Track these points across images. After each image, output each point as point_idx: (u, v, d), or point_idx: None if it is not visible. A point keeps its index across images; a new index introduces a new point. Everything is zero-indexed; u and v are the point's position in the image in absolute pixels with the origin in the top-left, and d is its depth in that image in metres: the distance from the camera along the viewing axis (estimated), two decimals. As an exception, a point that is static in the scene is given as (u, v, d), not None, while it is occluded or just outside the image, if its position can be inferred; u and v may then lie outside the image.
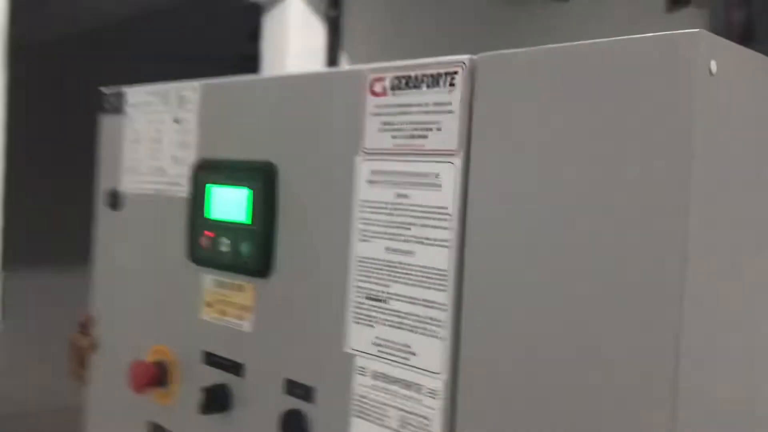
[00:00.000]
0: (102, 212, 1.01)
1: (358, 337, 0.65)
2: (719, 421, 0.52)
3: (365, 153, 0.65)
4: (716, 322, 0.50)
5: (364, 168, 0.65)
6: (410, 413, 0.61)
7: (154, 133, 0.93)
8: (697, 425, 0.48)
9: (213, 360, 0.81)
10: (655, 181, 0.47)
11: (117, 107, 1.00)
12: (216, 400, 0.78)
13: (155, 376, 0.87)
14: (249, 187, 0.76)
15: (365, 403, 0.64)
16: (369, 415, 0.64)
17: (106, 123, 1.01)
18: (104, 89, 1.02)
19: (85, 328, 1.03)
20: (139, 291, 0.94)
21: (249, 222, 0.76)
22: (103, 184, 1.01)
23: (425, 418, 0.60)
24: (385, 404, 0.63)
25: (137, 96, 0.96)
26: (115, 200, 0.99)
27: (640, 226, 0.48)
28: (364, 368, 0.65)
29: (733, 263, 0.52)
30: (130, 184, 0.96)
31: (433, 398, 0.59)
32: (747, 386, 0.56)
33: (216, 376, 0.80)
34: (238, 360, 0.78)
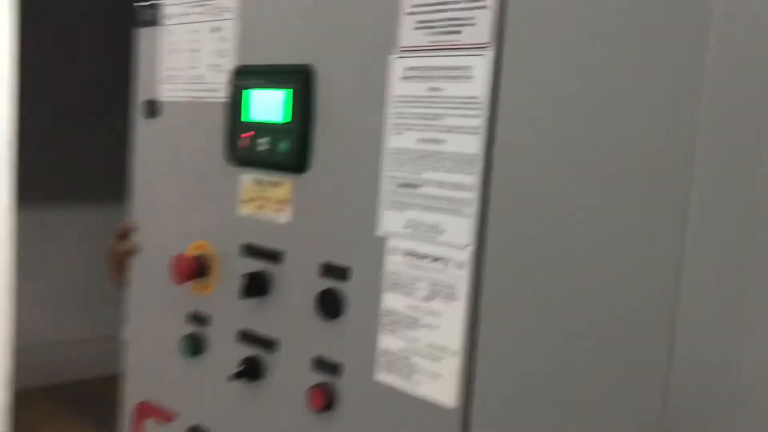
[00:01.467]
0: (140, 122, 1.06)
1: (391, 221, 0.72)
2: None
3: (400, 50, 0.71)
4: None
5: (398, 65, 0.71)
6: (438, 283, 0.68)
7: (191, 43, 0.98)
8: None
9: (251, 250, 0.88)
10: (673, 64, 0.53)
11: (153, 19, 1.04)
12: (255, 285, 0.85)
13: (196, 269, 0.94)
14: (287, 88, 0.82)
15: (397, 278, 0.71)
16: (399, 288, 0.71)
17: (143, 35, 1.06)
18: (139, 3, 1.07)
19: (124, 235, 1.10)
20: (178, 193, 1.00)
21: (287, 121, 0.82)
22: (141, 95, 1.06)
23: (450, 286, 0.67)
24: (414, 277, 0.70)
25: (173, 8, 1.01)
26: (153, 109, 1.05)
27: (665, 111, 0.54)
28: (395, 248, 0.72)
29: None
30: (167, 92, 1.02)
31: (460, 269, 0.66)
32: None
33: (254, 266, 0.87)
34: (276, 248, 0.85)
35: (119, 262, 1.11)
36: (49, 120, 3.02)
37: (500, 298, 0.64)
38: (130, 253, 1.08)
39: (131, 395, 1.09)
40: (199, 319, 0.96)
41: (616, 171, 0.56)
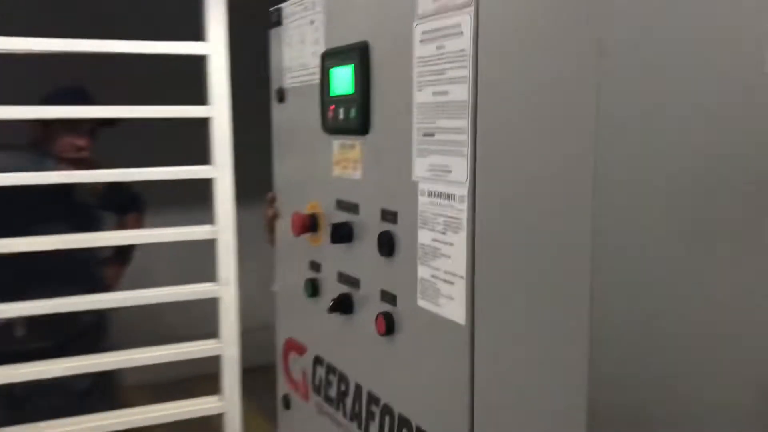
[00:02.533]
0: (274, 107, 1.28)
1: (420, 167, 0.83)
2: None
3: (418, 18, 0.81)
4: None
5: (417, 30, 0.82)
6: (449, 217, 0.78)
7: (298, 36, 1.17)
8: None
9: (341, 205, 1.04)
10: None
11: (278, 20, 1.25)
12: (340, 233, 1.01)
13: (309, 224, 1.13)
14: (351, 64, 0.96)
15: (425, 215, 0.82)
16: (426, 224, 0.82)
17: (272, 35, 1.28)
18: (271, 8, 1.28)
19: (271, 202, 1.33)
20: (299, 162, 1.20)
21: (353, 92, 0.96)
22: (274, 84, 1.28)
23: (456, 218, 0.76)
24: (435, 213, 0.80)
25: (288, 8, 1.21)
26: (281, 95, 1.26)
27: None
28: (423, 190, 0.83)
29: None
30: (288, 80, 1.22)
31: (462, 203, 0.75)
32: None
33: (342, 217, 1.03)
34: (354, 201, 1.00)
35: (270, 226, 1.34)
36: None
37: (489, 229, 0.72)
38: (275, 216, 1.31)
39: (280, 334, 1.32)
40: (315, 265, 1.15)
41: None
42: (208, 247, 1.30)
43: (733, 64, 0.64)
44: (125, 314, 1.80)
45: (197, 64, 1.28)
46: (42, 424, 1.20)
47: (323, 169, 1.09)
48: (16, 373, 1.18)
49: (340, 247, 1.04)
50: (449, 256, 0.78)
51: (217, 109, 1.18)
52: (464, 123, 0.74)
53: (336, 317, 1.05)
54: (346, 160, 1.02)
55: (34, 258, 1.25)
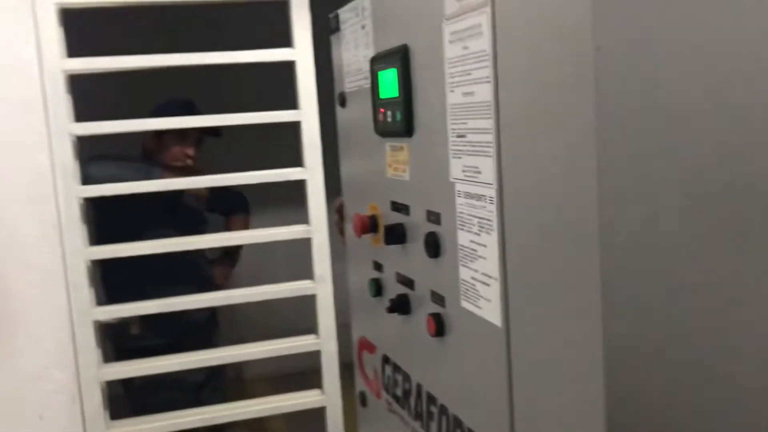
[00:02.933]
0: (338, 111, 1.31)
1: (455, 168, 0.83)
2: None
3: (445, 18, 0.81)
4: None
5: (446, 31, 0.81)
6: (482, 218, 0.77)
7: (353, 41, 1.19)
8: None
9: (394, 206, 1.05)
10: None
11: (336, 27, 1.28)
12: (394, 235, 1.02)
13: (369, 225, 1.15)
14: (395, 67, 0.97)
15: (462, 217, 0.82)
16: (464, 225, 0.82)
17: (333, 41, 1.30)
18: (330, 14, 1.31)
19: (339, 209, 1.37)
20: (358, 165, 1.22)
21: (397, 95, 0.97)
22: (337, 89, 1.31)
23: (488, 220, 0.75)
24: (470, 215, 0.80)
25: (344, 14, 1.23)
26: (342, 99, 1.29)
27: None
28: (459, 191, 0.82)
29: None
30: (347, 85, 1.24)
31: (491, 203, 0.74)
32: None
33: (395, 218, 1.04)
34: (405, 202, 1.01)
35: (341, 228, 1.38)
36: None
37: (516, 229, 0.71)
38: (343, 221, 1.35)
39: (355, 332, 1.35)
40: (377, 266, 1.17)
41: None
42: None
43: (740, 57, 0.59)
44: (245, 310, 1.90)
45: (275, 72, 1.31)
46: (162, 416, 1.26)
47: (379, 171, 1.10)
48: (133, 369, 1.26)
49: (396, 248, 1.05)
50: (485, 258, 0.77)
51: (306, 112, 1.22)
52: (490, 123, 0.73)
53: (396, 317, 1.07)
54: (397, 162, 1.03)
55: (147, 261, 1.33)
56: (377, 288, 1.16)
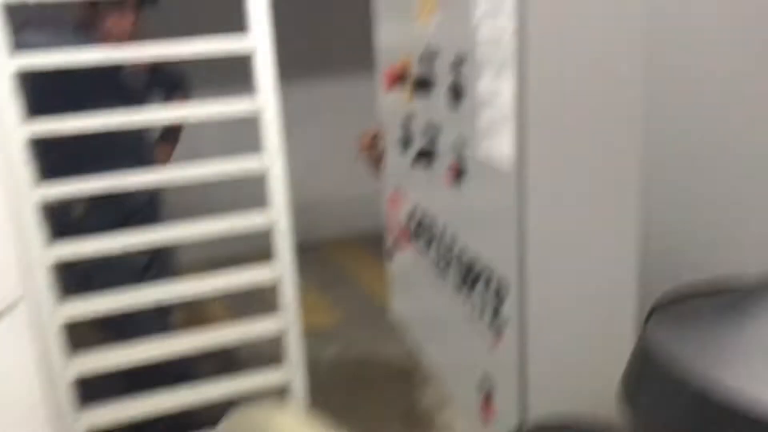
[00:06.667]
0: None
1: (478, 8, 0.80)
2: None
3: None
4: None
5: None
6: (500, 60, 0.74)
7: None
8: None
9: (423, 55, 1.02)
10: None
11: None
12: (421, 84, 1.01)
13: (400, 75, 1.12)
14: None
15: (482, 59, 0.80)
16: (484, 68, 0.80)
17: None
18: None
19: (375, 139, 1.35)
20: (396, 19, 1.18)
21: None
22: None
23: (504, 59, 0.73)
24: (489, 58, 0.78)
25: None
26: None
27: None
28: (482, 33, 0.79)
29: None
30: None
31: (510, 43, 0.71)
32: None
33: (424, 68, 1.02)
34: (434, 49, 0.98)
35: (377, 160, 1.36)
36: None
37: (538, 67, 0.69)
38: (382, 153, 1.32)
39: (387, 187, 1.36)
40: (408, 118, 1.15)
41: None
42: (255, 131, 1.26)
43: None
44: (177, 198, 1.83)
45: None
46: (108, 297, 1.24)
47: (412, 21, 1.07)
48: (77, 249, 1.22)
49: (424, 98, 1.04)
50: (502, 96, 0.76)
51: None
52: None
53: (422, 167, 1.07)
54: (425, 8, 0.99)
55: (86, 139, 1.24)
56: (407, 140, 1.16)
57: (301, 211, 1.35)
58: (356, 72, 3.07)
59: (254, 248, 1.37)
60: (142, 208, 2.04)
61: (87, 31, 1.84)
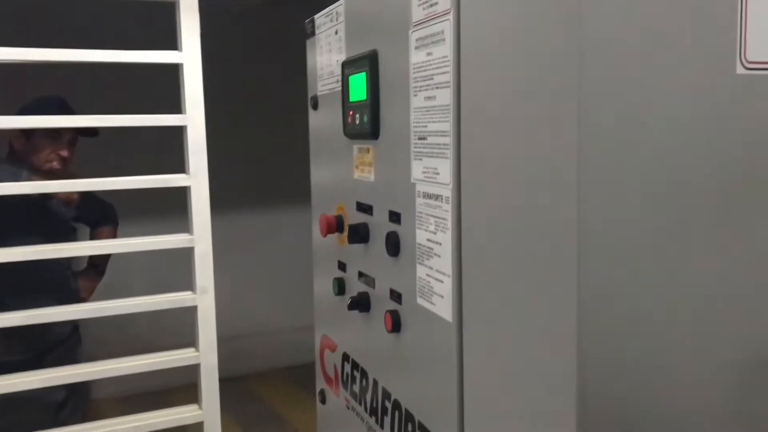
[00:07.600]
0: (311, 113, 1.34)
1: (416, 170, 0.86)
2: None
3: (412, 25, 0.85)
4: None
5: (412, 38, 0.85)
6: (438, 218, 0.80)
7: (326, 46, 1.22)
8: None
9: (359, 206, 1.08)
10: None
11: (312, 31, 1.31)
12: (357, 234, 1.05)
13: (335, 225, 1.17)
14: (364, 71, 1.00)
15: (420, 216, 0.85)
16: (422, 225, 0.85)
17: (308, 45, 1.33)
18: (307, 20, 1.34)
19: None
20: (328, 167, 1.25)
21: (365, 98, 1.00)
22: (309, 92, 1.34)
23: (444, 219, 0.79)
24: (428, 214, 0.83)
25: (319, 19, 1.26)
26: (315, 102, 1.31)
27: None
28: (419, 192, 0.85)
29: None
30: (320, 88, 1.27)
31: (447, 203, 0.78)
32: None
33: (360, 218, 1.07)
34: (369, 203, 1.04)
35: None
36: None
37: (473, 228, 0.74)
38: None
39: (317, 331, 1.37)
40: (341, 265, 1.19)
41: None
42: (181, 261, 1.26)
43: (708, 67, 0.63)
44: (97, 330, 1.81)
45: (169, 76, 1.23)
46: None
47: (347, 172, 1.13)
48: None
49: (360, 247, 1.08)
50: (440, 255, 0.80)
51: (192, 117, 1.16)
52: (448, 126, 0.76)
53: (357, 315, 1.09)
54: (363, 164, 1.06)
55: (8, 270, 1.22)
56: (340, 287, 1.19)
57: (223, 341, 1.31)
58: (284, 204, 3.26)
59: (175, 381, 1.32)
60: (61, 342, 1.96)
61: (20, 161, 1.86)
